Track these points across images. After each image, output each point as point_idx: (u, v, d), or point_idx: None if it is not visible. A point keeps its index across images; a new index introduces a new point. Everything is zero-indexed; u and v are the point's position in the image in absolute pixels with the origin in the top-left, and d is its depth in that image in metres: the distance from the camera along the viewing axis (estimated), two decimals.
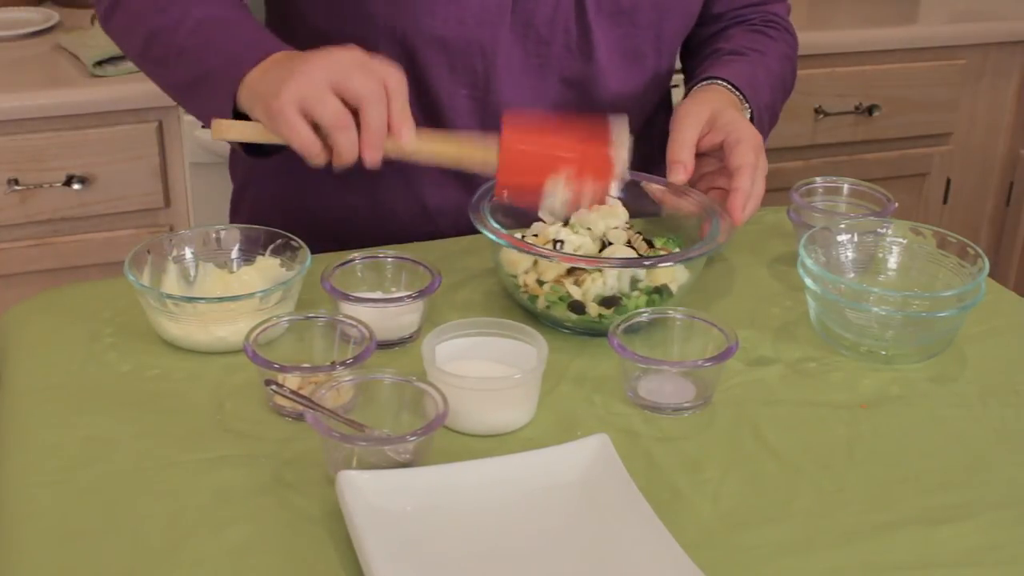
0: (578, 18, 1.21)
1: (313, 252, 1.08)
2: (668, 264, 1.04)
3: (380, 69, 1.00)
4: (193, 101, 1.14)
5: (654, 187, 1.16)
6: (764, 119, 1.26)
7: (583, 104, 1.25)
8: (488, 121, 1.19)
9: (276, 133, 1.01)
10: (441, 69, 1.20)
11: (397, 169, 1.11)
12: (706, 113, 1.16)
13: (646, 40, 1.25)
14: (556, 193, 1.03)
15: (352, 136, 0.99)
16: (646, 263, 1.04)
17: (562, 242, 1.07)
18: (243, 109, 1.04)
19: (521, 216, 1.11)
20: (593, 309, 1.04)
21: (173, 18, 1.10)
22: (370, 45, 1.05)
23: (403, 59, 1.16)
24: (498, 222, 1.07)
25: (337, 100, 0.98)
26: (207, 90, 1.07)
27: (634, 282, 1.05)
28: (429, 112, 1.21)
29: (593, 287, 1.04)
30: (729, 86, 1.22)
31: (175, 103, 1.85)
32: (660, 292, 1.05)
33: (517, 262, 1.06)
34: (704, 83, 1.23)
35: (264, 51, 1.04)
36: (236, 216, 1.43)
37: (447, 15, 1.17)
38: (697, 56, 1.35)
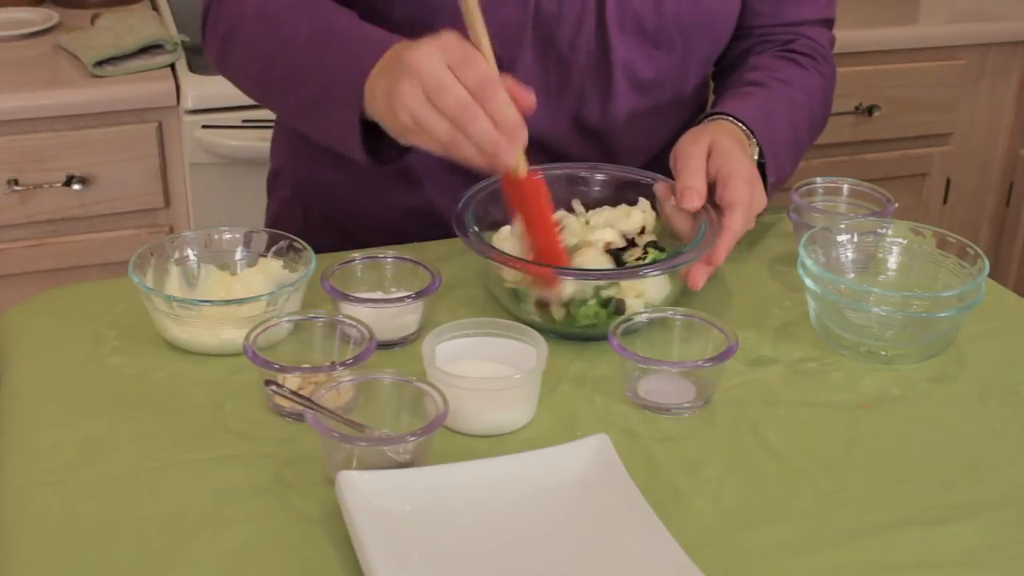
0: (599, 38, 1.18)
1: (342, 248, 1.08)
2: (654, 273, 1.02)
3: (480, 63, 0.94)
4: (319, 119, 1.09)
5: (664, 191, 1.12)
6: (781, 157, 1.20)
7: (597, 126, 1.23)
8: None
9: (397, 128, 0.96)
10: None
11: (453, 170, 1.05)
12: (706, 142, 1.12)
13: (669, 63, 1.22)
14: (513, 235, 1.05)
15: (488, 123, 0.92)
16: (625, 273, 1.03)
17: None
18: (370, 114, 1.01)
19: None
20: (557, 311, 1.03)
21: (284, 37, 1.08)
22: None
23: None
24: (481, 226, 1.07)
25: (460, 85, 0.92)
26: (332, 102, 1.04)
27: (597, 289, 1.03)
28: None
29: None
30: (734, 121, 1.17)
31: (176, 104, 1.87)
32: (607, 304, 1.03)
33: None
34: (711, 119, 1.19)
35: (380, 48, 1.00)
36: (269, 199, 1.40)
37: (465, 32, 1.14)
38: (722, 80, 1.31)
